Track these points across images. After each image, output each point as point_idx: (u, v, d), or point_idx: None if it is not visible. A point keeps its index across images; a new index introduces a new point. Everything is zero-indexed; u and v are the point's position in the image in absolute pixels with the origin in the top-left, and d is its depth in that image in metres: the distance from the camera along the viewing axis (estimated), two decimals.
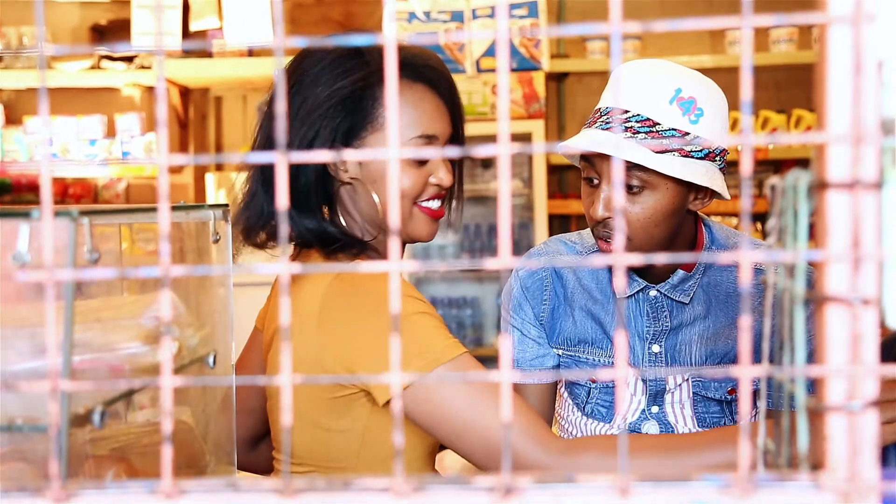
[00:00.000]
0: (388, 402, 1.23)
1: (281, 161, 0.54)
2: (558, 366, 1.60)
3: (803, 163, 4.17)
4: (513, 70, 4.00)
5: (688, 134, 1.39)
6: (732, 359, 1.54)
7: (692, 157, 1.40)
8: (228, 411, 1.24)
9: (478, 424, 1.19)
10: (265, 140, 1.37)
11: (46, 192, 0.55)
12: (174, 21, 4.13)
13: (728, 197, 1.46)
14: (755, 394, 1.55)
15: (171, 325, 0.86)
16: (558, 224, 4.47)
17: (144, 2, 4.12)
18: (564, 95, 4.61)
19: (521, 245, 4.15)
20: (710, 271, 1.55)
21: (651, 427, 1.55)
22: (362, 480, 0.56)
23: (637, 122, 1.40)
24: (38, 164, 0.56)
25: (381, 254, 1.37)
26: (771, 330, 0.87)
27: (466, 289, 4.35)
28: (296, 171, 1.30)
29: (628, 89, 1.42)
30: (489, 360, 4.32)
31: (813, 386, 0.61)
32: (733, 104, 1.46)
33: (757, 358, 1.52)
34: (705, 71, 1.49)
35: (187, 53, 4.20)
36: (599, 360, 1.57)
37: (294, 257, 1.40)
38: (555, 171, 4.53)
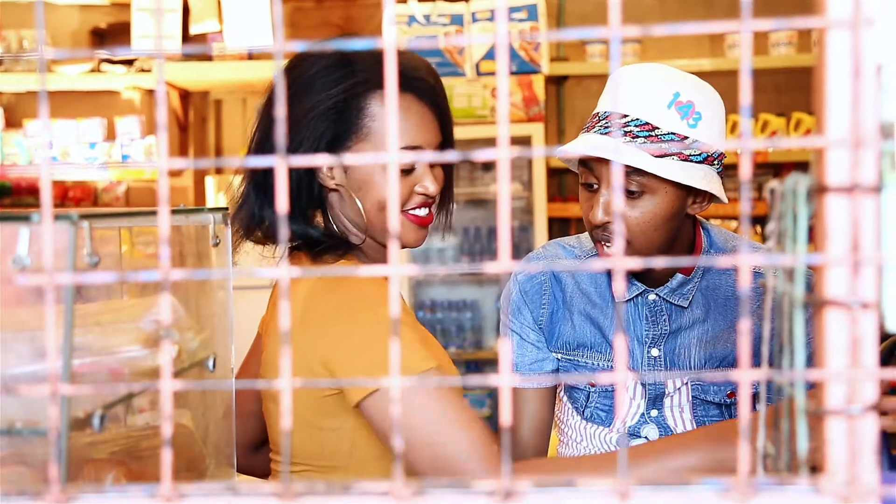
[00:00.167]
0: (358, 404, 1.24)
1: (280, 165, 0.54)
2: (557, 370, 1.60)
3: (803, 166, 4.17)
4: (512, 73, 4.01)
5: (686, 138, 1.39)
6: (731, 362, 1.54)
7: (691, 160, 1.40)
8: (228, 414, 1.24)
9: (431, 441, 1.20)
10: (256, 145, 1.40)
11: (46, 196, 0.55)
12: (174, 24, 4.13)
13: (726, 201, 1.46)
14: (754, 397, 1.55)
15: (170, 329, 0.86)
16: (558, 227, 4.47)
17: (144, 5, 4.12)
18: (564, 98, 4.61)
19: (521, 248, 4.15)
20: (708, 275, 1.55)
21: (650, 431, 1.55)
22: (362, 484, 0.56)
23: (636, 126, 1.40)
24: (38, 167, 0.56)
25: (368, 257, 1.40)
26: (770, 333, 0.87)
27: (466, 292, 4.35)
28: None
29: (627, 94, 1.42)
30: (489, 364, 4.32)
31: (812, 389, 0.61)
32: (733, 107, 1.46)
33: (756, 361, 1.52)
34: (704, 74, 1.49)
35: (187, 56, 4.21)
36: (598, 364, 1.57)
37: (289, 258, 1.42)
38: (554, 174, 4.54)
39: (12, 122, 4.53)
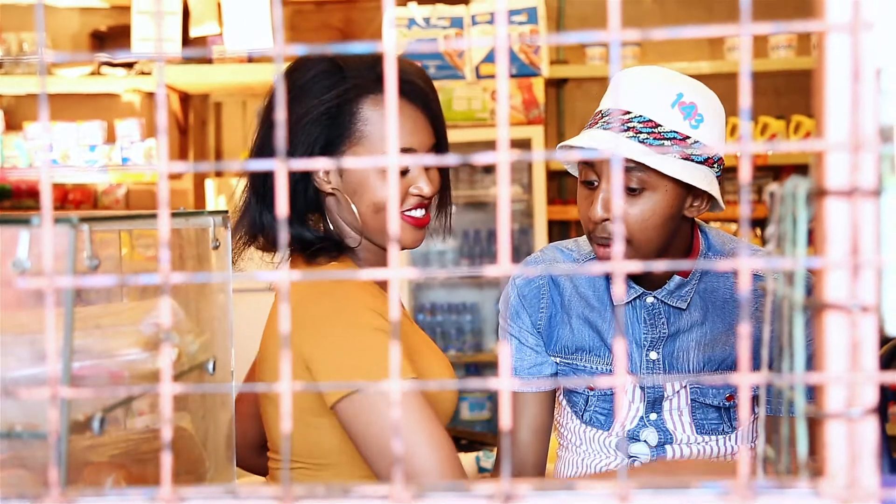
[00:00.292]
0: (333, 406, 1.26)
1: (280, 168, 0.54)
2: (556, 374, 1.60)
3: (803, 168, 4.17)
4: (512, 76, 4.01)
5: (688, 137, 1.40)
6: (730, 365, 1.54)
7: (692, 160, 1.40)
8: (228, 417, 1.24)
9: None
10: (256, 150, 1.43)
11: (46, 199, 0.55)
12: (174, 27, 4.14)
13: (723, 207, 1.47)
14: (754, 400, 1.55)
15: (170, 332, 0.86)
16: (558, 230, 4.47)
17: (144, 8, 4.13)
18: (564, 101, 4.62)
19: (521, 251, 4.15)
20: (706, 277, 1.55)
21: (649, 434, 1.54)
22: (361, 487, 0.56)
23: (639, 122, 1.40)
24: (38, 170, 0.56)
25: (363, 259, 1.43)
26: (770, 336, 0.87)
27: (466, 294, 4.35)
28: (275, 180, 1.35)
29: (630, 92, 1.43)
30: (489, 366, 4.31)
31: (812, 393, 0.61)
32: (732, 110, 1.47)
33: (755, 364, 1.52)
34: (704, 77, 1.50)
35: (187, 59, 4.21)
36: (597, 368, 1.57)
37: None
38: (554, 176, 4.54)
39: (12, 125, 4.53)
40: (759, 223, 4.26)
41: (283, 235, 0.54)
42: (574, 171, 1.55)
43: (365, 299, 1.30)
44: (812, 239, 0.59)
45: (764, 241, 1.66)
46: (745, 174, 0.52)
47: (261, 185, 1.40)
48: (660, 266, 0.54)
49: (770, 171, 4.41)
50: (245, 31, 4.03)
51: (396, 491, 0.55)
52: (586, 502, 0.55)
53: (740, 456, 0.53)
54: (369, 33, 4.60)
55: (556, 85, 4.55)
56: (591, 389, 1.58)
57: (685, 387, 1.53)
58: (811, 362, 0.62)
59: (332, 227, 1.41)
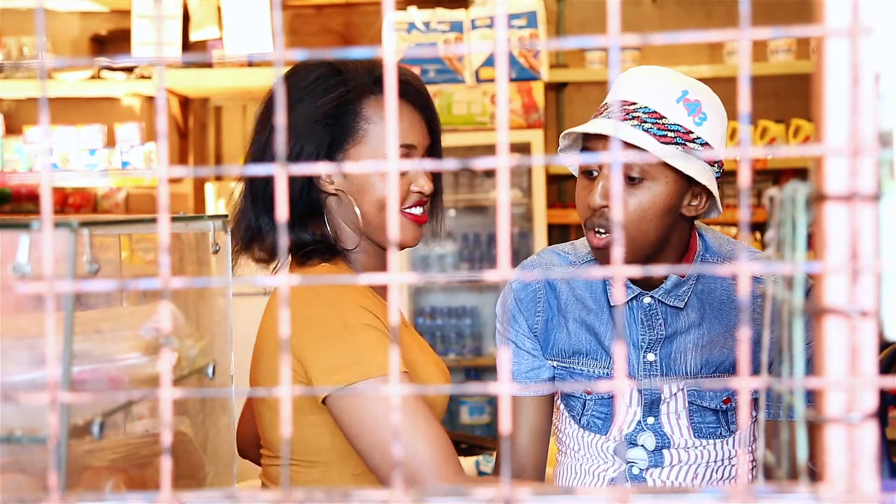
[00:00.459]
0: (324, 400, 1.29)
1: (280, 173, 0.54)
2: (553, 378, 1.60)
3: (802, 172, 4.17)
4: (512, 80, 4.01)
5: (691, 132, 1.41)
6: (728, 368, 1.54)
7: (694, 154, 1.41)
8: (228, 421, 1.24)
9: (392, 444, 1.24)
10: (255, 153, 1.45)
11: (46, 203, 0.55)
12: (174, 31, 4.14)
13: (721, 210, 1.47)
14: (752, 403, 1.55)
15: (170, 337, 0.86)
16: (557, 233, 4.47)
17: (144, 12, 4.13)
18: (563, 105, 4.62)
19: (521, 255, 4.14)
20: (704, 278, 1.55)
21: (647, 439, 1.54)
22: (361, 492, 0.56)
23: (644, 112, 1.42)
24: (39, 174, 0.56)
25: (357, 261, 1.45)
26: (770, 340, 0.87)
27: (465, 298, 4.35)
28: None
29: (637, 85, 1.45)
30: (488, 370, 4.31)
31: (811, 397, 0.61)
32: (732, 114, 1.47)
33: (754, 368, 1.52)
34: (703, 81, 1.51)
35: (187, 63, 4.21)
36: (594, 372, 1.57)
37: (280, 265, 1.48)
38: (554, 180, 4.54)
39: (12, 129, 4.53)
40: (758, 227, 4.26)
41: (284, 240, 0.54)
42: (574, 169, 1.56)
43: (355, 297, 1.33)
44: (811, 243, 0.60)
45: (764, 246, 1.67)
46: (744, 178, 0.52)
47: (260, 190, 1.42)
48: (659, 271, 0.54)
49: (770, 175, 4.41)
50: (245, 35, 4.03)
51: (396, 495, 0.55)
52: None
53: (738, 460, 0.53)
54: (369, 37, 4.60)
55: (555, 89, 4.56)
56: (589, 394, 1.57)
57: (682, 389, 1.53)
58: (810, 366, 0.62)
59: (328, 230, 1.43)
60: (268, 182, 1.41)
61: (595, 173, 1.46)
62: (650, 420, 1.54)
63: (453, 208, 4.29)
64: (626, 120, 1.42)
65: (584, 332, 1.57)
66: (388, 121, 0.51)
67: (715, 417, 1.53)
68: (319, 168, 0.54)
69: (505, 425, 0.54)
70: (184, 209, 4.41)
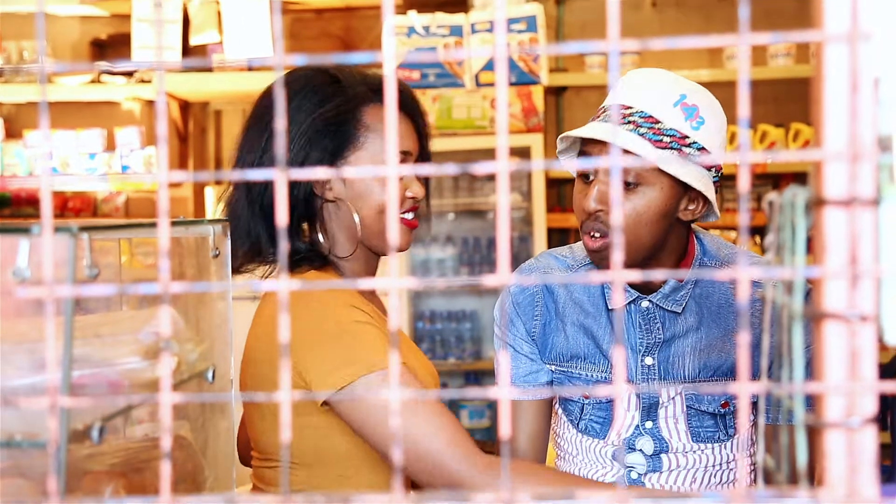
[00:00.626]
0: (324, 403, 1.31)
1: (280, 178, 0.54)
2: (551, 382, 1.60)
3: (802, 177, 4.18)
4: (511, 84, 4.01)
5: (687, 137, 1.41)
6: (726, 371, 1.53)
7: (690, 159, 1.41)
8: (227, 426, 1.24)
9: (406, 434, 1.25)
10: (252, 161, 1.46)
11: (46, 207, 0.55)
12: (174, 35, 4.14)
13: (718, 215, 1.47)
14: (751, 406, 1.54)
15: (170, 341, 0.86)
16: (557, 237, 4.47)
17: (144, 16, 4.13)
18: (563, 109, 4.62)
19: (520, 258, 4.14)
20: (701, 282, 1.55)
21: (645, 443, 1.54)
22: (362, 496, 0.56)
23: (640, 117, 1.42)
24: (38, 178, 0.56)
25: (346, 270, 1.47)
26: (769, 344, 0.87)
27: (465, 302, 4.35)
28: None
29: (635, 89, 1.45)
30: (488, 374, 4.31)
31: (811, 402, 0.61)
32: (731, 118, 1.48)
33: (753, 372, 1.52)
34: (703, 85, 1.50)
35: (187, 68, 4.22)
36: (592, 376, 1.57)
37: (271, 273, 1.50)
38: (553, 184, 4.54)
39: (12, 133, 4.54)
40: (758, 231, 4.26)
41: (283, 245, 0.54)
42: (572, 170, 1.56)
43: (345, 298, 1.35)
44: (811, 248, 0.60)
45: (763, 250, 1.66)
46: (744, 183, 0.52)
47: (257, 196, 1.43)
48: (658, 275, 0.54)
49: (769, 179, 4.41)
50: (245, 39, 4.04)
51: (396, 499, 0.55)
52: None
53: (738, 463, 0.53)
54: (369, 42, 4.60)
55: (555, 93, 4.56)
56: (587, 398, 1.57)
57: (680, 393, 1.53)
58: (809, 370, 0.62)
59: (319, 237, 1.44)
60: (265, 188, 1.42)
61: (591, 177, 1.46)
62: (648, 424, 1.54)
63: (453, 212, 4.29)
64: (622, 124, 1.42)
65: (582, 335, 1.57)
66: (388, 127, 0.51)
67: (713, 421, 1.53)
68: (320, 173, 0.54)
69: (505, 430, 0.54)
70: (184, 213, 4.41)
